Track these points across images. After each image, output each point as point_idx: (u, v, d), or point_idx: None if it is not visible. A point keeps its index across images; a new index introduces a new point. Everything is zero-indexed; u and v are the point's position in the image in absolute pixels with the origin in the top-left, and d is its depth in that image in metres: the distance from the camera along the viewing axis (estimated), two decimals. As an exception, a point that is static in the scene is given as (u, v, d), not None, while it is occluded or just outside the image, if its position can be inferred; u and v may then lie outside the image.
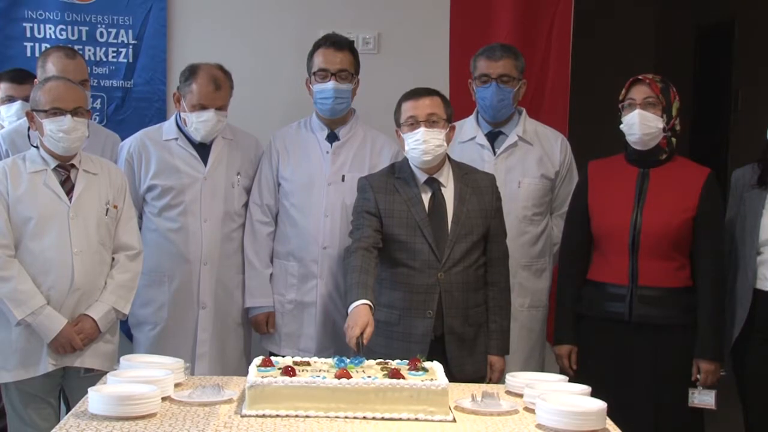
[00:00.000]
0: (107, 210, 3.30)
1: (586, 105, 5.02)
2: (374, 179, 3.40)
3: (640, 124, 3.34)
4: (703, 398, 3.31)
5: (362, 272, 3.14)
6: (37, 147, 3.27)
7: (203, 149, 3.75)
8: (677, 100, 3.42)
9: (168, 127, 3.80)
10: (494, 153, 3.79)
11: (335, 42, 3.73)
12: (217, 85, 3.61)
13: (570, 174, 3.84)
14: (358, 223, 3.33)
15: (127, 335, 3.65)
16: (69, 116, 3.17)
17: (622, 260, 3.37)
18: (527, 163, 3.78)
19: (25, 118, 3.59)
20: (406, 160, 3.39)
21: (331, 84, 3.69)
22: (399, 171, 3.38)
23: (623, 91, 3.42)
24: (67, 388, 3.35)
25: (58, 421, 3.15)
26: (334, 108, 3.73)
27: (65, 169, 3.27)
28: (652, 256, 3.34)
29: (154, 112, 4.34)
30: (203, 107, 3.61)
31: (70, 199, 3.24)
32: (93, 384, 2.75)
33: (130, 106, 4.36)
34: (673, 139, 3.41)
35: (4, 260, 3.15)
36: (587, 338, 3.48)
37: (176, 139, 3.74)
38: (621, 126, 3.41)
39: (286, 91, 4.30)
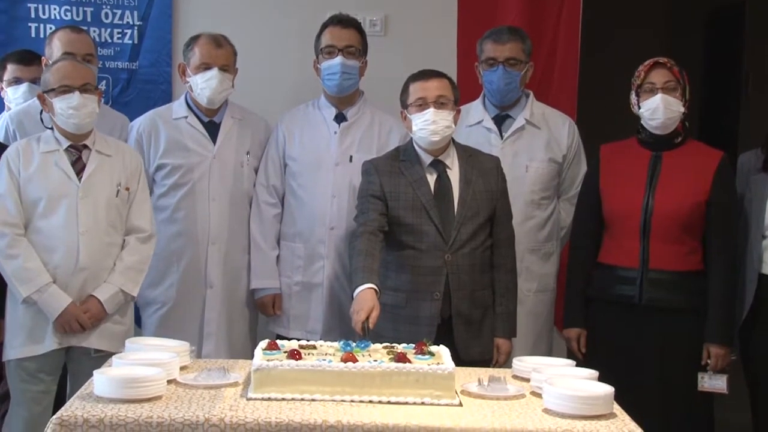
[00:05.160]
0: (118, 192, 3.31)
1: (595, 88, 4.98)
2: (379, 162, 3.39)
3: (664, 109, 3.33)
4: (714, 382, 3.30)
5: (367, 256, 3.14)
6: (51, 129, 3.29)
7: (213, 128, 3.75)
8: (688, 83, 3.40)
9: (178, 105, 3.81)
10: (501, 137, 3.77)
11: (342, 20, 3.75)
12: (218, 43, 3.64)
13: (578, 157, 3.83)
14: (363, 207, 3.32)
15: (136, 320, 3.65)
16: (77, 93, 3.19)
17: (633, 243, 3.36)
18: (534, 147, 3.76)
19: (33, 100, 3.61)
20: (410, 142, 3.38)
21: (338, 59, 3.68)
22: (404, 153, 3.38)
23: (641, 75, 3.39)
24: (71, 370, 3.35)
25: (53, 406, 3.18)
26: (341, 84, 3.71)
27: (77, 150, 3.28)
28: (663, 240, 3.33)
29: (160, 94, 4.32)
30: (206, 66, 3.62)
31: (80, 179, 3.24)
32: (99, 366, 2.76)
33: (135, 88, 4.35)
34: (687, 123, 3.41)
35: (12, 239, 3.17)
36: (596, 322, 3.48)
37: (186, 117, 3.75)
38: (639, 110, 3.40)
39: (293, 74, 4.27)
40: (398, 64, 3.97)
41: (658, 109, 3.33)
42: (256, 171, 3.82)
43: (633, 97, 3.42)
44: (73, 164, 3.26)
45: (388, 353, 2.74)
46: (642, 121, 3.42)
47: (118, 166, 3.34)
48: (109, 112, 3.84)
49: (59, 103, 3.20)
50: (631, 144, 3.49)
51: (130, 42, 4.33)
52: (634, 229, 3.36)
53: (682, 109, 3.35)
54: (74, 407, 2.41)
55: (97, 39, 4.25)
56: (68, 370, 3.36)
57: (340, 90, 3.74)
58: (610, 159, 3.49)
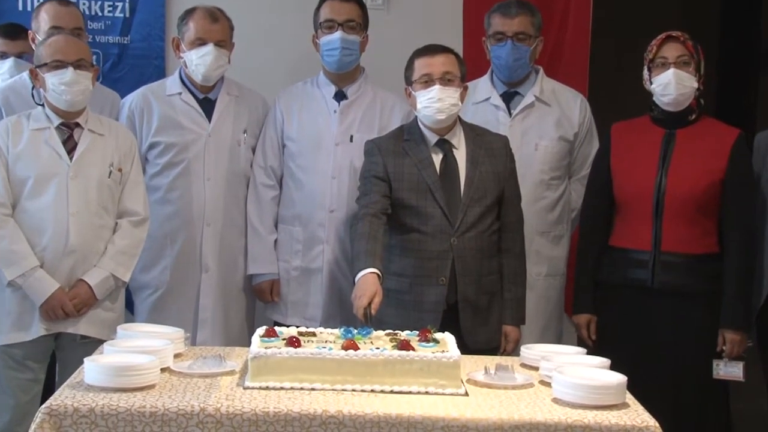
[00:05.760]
0: (110, 172, 3.30)
1: (607, 63, 4.95)
2: (382, 142, 3.38)
3: (676, 84, 3.32)
4: (730, 370, 3.30)
5: (370, 239, 3.13)
6: (42, 105, 3.28)
7: (208, 105, 3.74)
8: (703, 58, 3.39)
9: (171, 81, 3.79)
10: (510, 114, 3.77)
11: None
12: (213, 18, 3.62)
13: (590, 136, 3.82)
14: (365, 188, 3.32)
15: (128, 305, 3.65)
16: (71, 68, 3.18)
17: (645, 225, 3.36)
18: (544, 125, 3.75)
19: (20, 76, 3.59)
20: (415, 121, 3.37)
21: (338, 34, 3.66)
22: (408, 133, 3.36)
23: (653, 49, 3.38)
24: (60, 357, 3.35)
25: (41, 395, 3.18)
26: (341, 60, 3.69)
27: (69, 128, 3.27)
28: (676, 221, 3.33)
29: (153, 70, 4.30)
30: (202, 42, 3.60)
31: (71, 158, 3.24)
32: (89, 353, 2.75)
33: (126, 63, 4.33)
34: (701, 99, 3.40)
35: None
36: (607, 307, 3.48)
37: (180, 93, 3.73)
38: (651, 86, 3.39)
39: (292, 50, 4.25)
40: (401, 39, 3.97)
41: (669, 84, 3.32)
42: (254, 150, 3.81)
43: (645, 73, 3.42)
44: (64, 143, 3.25)
45: (391, 340, 2.74)
46: (654, 98, 3.41)
47: (111, 146, 3.33)
48: (100, 89, 3.78)
49: (51, 79, 3.18)
50: (643, 122, 3.48)
51: (122, 15, 4.31)
52: (646, 211, 3.36)
53: (696, 85, 3.34)
54: (64, 396, 2.41)
55: (87, 12, 4.24)
56: (57, 358, 3.36)
57: (340, 66, 3.72)
58: (622, 137, 3.49)
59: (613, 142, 3.49)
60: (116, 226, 3.34)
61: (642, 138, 3.44)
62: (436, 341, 2.73)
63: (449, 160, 3.31)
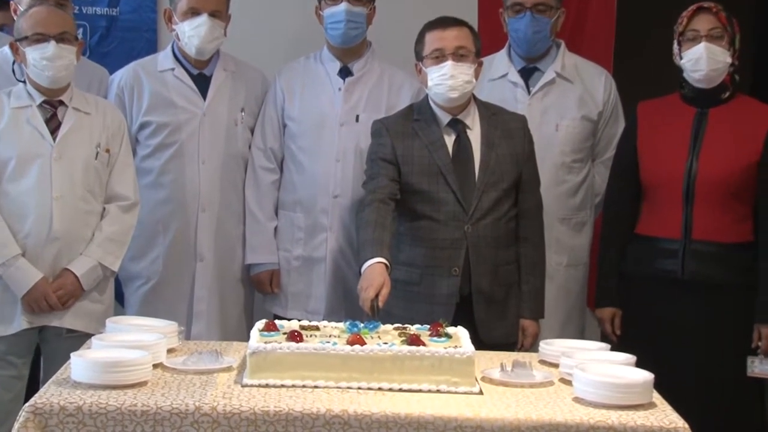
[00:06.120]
0: (97, 153, 3.30)
1: (634, 37, 4.93)
2: (390, 122, 3.39)
3: (707, 59, 3.31)
4: (765, 367, 3.30)
5: (377, 227, 3.14)
6: (24, 82, 3.28)
7: (203, 82, 3.74)
8: (738, 31, 3.38)
9: (164, 56, 3.79)
10: (528, 92, 3.77)
11: None
12: None
13: (615, 115, 3.82)
14: (372, 171, 3.32)
15: (118, 297, 3.66)
16: (53, 42, 3.18)
17: (675, 211, 3.36)
18: (566, 103, 3.75)
19: (0, 50, 3.58)
20: (426, 99, 3.37)
21: (343, 6, 3.66)
22: (418, 112, 3.36)
23: (683, 21, 3.38)
24: (45, 352, 3.36)
25: (24, 393, 3.18)
26: (346, 33, 3.69)
27: (52, 106, 3.27)
28: (708, 207, 3.33)
29: (144, 44, 4.31)
30: (195, 12, 3.59)
31: (54, 139, 3.24)
32: (76, 348, 2.76)
33: (115, 36, 4.34)
34: (736, 76, 3.39)
35: None
36: (633, 300, 3.48)
37: (172, 69, 3.73)
38: (681, 61, 3.39)
39: (293, 22, 4.26)
40: (411, 11, 3.96)
41: (700, 59, 3.32)
42: (252, 130, 3.82)
43: (675, 47, 3.41)
44: (47, 122, 3.26)
45: (399, 335, 2.74)
46: (684, 74, 3.41)
47: (98, 126, 3.33)
48: (87, 64, 3.80)
49: (32, 53, 3.19)
50: (673, 100, 3.47)
51: (110, -16, 4.32)
52: (675, 196, 3.36)
53: (729, 60, 3.34)
54: (49, 394, 2.41)
55: (72, -19, 4.24)
56: (41, 353, 3.38)
57: (345, 40, 3.72)
58: (649, 117, 3.48)
59: (640, 122, 3.49)
60: (104, 212, 3.34)
61: (671, 117, 3.43)
62: (448, 336, 2.74)
63: (462, 142, 3.31)
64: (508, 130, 3.36)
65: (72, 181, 3.25)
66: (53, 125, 3.26)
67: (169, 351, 2.77)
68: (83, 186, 3.27)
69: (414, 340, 2.62)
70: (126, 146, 3.43)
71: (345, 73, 3.77)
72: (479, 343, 2.90)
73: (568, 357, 2.70)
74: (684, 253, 3.35)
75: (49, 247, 3.22)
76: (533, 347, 3.28)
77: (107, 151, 3.33)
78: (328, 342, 2.60)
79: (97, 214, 3.32)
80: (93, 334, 2.91)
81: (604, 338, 3.47)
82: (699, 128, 3.38)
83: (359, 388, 2.51)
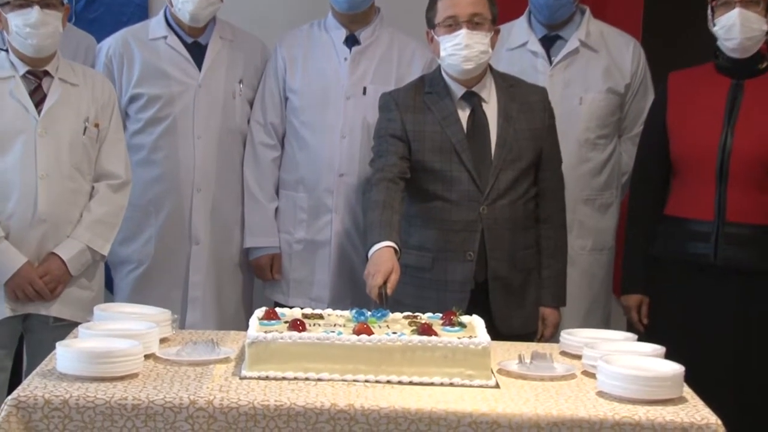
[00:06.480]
0: (85, 128, 3.31)
1: (664, 3, 4.90)
2: (400, 95, 3.39)
3: (741, 27, 3.31)
4: None
5: (385, 208, 3.14)
6: (6, 51, 3.28)
7: (197, 51, 3.74)
8: (776, -3, 3.39)
9: (156, 23, 3.79)
10: (550, 62, 3.78)
11: None
12: None
13: (644, 87, 3.82)
14: (380, 149, 3.32)
15: (107, 283, 3.67)
16: (36, 7, 3.18)
17: (707, 191, 3.37)
18: (591, 75, 3.76)
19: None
20: (438, 70, 3.37)
21: (348, -32, 3.66)
22: (430, 84, 3.36)
23: None
24: (29, 342, 3.38)
25: (7, 386, 3.19)
26: (353, -2, 3.69)
27: (37, 77, 3.27)
28: (743, 186, 3.33)
29: (134, 9, 4.33)
30: None
31: (39, 112, 3.24)
32: (63, 338, 2.77)
33: (103, 1, 4.35)
34: (773, 45, 3.40)
35: None
36: (662, 286, 3.49)
37: (165, 37, 3.74)
38: (714, 28, 3.37)
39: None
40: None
41: (734, 26, 3.31)
42: (251, 103, 3.82)
43: (709, 12, 3.40)
44: (32, 94, 3.26)
45: (410, 324, 2.75)
46: (718, 43, 3.41)
47: (86, 98, 3.33)
48: (72, 31, 3.81)
49: (15, 20, 3.19)
50: (706, 71, 3.47)
51: (96, -57, 4.33)
52: (708, 174, 3.36)
53: (766, 28, 3.33)
54: (33, 386, 2.41)
55: (56, -59, 4.23)
56: (25, 343, 3.39)
57: (351, 6, 3.72)
58: (681, 89, 3.48)
59: (671, 94, 3.49)
60: (93, 191, 3.35)
61: (704, 89, 3.44)
62: (462, 325, 2.74)
63: (478, 116, 3.31)
64: (527, 103, 3.36)
65: (58, 158, 3.25)
66: (38, 98, 3.26)
67: (162, 341, 2.77)
68: (70, 163, 3.27)
69: (425, 330, 2.62)
70: (116, 120, 3.43)
71: (351, 41, 3.77)
72: (495, 333, 2.91)
73: (591, 348, 2.70)
74: (717, 237, 3.35)
75: (34, 230, 3.23)
76: (554, 337, 3.29)
77: (96, 125, 3.34)
78: (333, 331, 2.60)
79: (85, 194, 3.33)
80: (82, 323, 2.92)
81: (630, 328, 3.49)
82: (734, 101, 3.38)
83: (366, 381, 2.51)
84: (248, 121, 3.81)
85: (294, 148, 3.79)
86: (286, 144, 3.82)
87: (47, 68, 3.28)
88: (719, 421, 2.37)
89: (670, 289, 3.45)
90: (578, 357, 2.75)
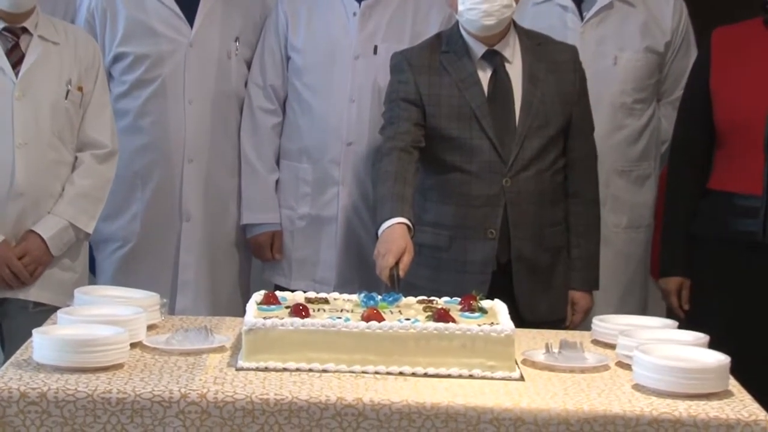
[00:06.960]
0: (68, 92, 3.31)
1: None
2: (413, 54, 3.39)
3: None
4: None
5: (397, 180, 3.15)
6: None
7: (189, 5, 3.75)
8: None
9: None
10: (581, 18, 3.77)
11: None
12: None
13: (686, 46, 3.82)
14: (392, 114, 3.33)
15: (89, 263, 3.67)
16: None
17: (756, 162, 3.37)
18: (627, 31, 3.76)
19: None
20: (456, 27, 3.37)
21: None
22: (447, 42, 3.37)
23: None
24: (5, 328, 3.38)
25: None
26: (363, -53, 3.70)
27: (14, 34, 3.27)
28: (797, 157, 3.34)
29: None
30: None
31: (16, 74, 3.25)
32: (42, 323, 2.77)
33: (84, -49, 4.33)
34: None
35: None
36: (705, 268, 3.50)
37: None
38: None
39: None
40: None
41: None
42: (248, 63, 3.83)
43: None
44: (8, 54, 3.26)
45: (424, 309, 2.75)
46: None
47: (69, 58, 3.34)
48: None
49: None
50: (754, 26, 3.47)
51: None
52: (756, 143, 3.36)
53: None
54: (8, 378, 2.41)
55: None
56: (2, 329, 3.40)
57: (361, -46, 3.73)
58: (726, 47, 3.48)
59: (715, 54, 3.49)
60: (76, 162, 3.36)
61: (752, 48, 3.44)
62: (482, 311, 2.74)
63: (500, 78, 3.31)
64: (555, 63, 3.36)
65: (38, 125, 3.25)
66: (15, 57, 3.26)
67: (150, 328, 2.78)
68: (51, 131, 3.28)
69: (442, 316, 2.62)
70: (102, 83, 3.44)
71: (360, -6, 3.78)
72: (520, 319, 2.92)
73: (626, 336, 2.70)
74: (766, 213, 3.35)
75: (11, 205, 3.23)
76: (584, 324, 3.29)
77: (80, 89, 3.34)
78: (340, 318, 2.60)
79: (67, 165, 3.34)
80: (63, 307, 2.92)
81: (670, 314, 3.49)
82: (786, 61, 3.38)
83: (376, 372, 2.51)
84: (245, 84, 3.81)
85: (296, 113, 3.80)
86: (287, 109, 3.83)
87: (25, 24, 3.28)
88: (768, 417, 2.37)
89: (715, 270, 3.45)
90: (612, 346, 2.76)
